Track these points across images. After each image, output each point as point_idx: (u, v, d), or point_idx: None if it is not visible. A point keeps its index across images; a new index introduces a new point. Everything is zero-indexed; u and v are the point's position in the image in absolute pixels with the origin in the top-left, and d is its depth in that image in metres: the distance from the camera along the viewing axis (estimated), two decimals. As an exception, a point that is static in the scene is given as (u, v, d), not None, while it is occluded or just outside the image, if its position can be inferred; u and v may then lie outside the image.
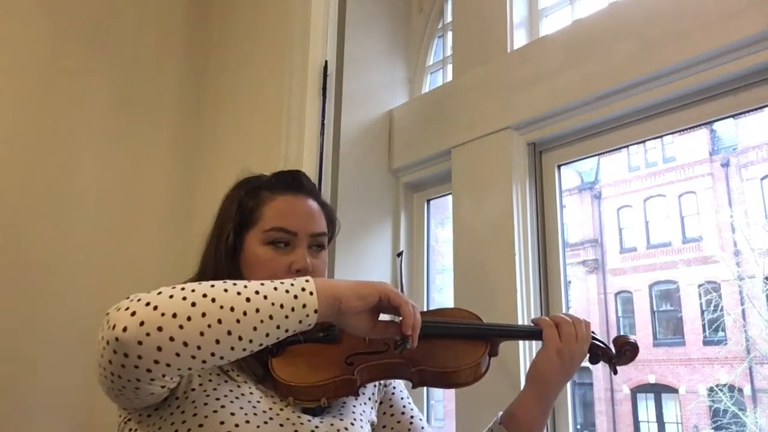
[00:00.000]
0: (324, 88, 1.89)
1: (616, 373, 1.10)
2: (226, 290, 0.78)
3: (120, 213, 2.15)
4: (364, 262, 2.08)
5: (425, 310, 2.09)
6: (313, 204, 1.07)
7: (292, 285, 0.81)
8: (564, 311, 1.74)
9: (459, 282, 1.88)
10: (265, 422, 0.90)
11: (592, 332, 1.09)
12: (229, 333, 0.76)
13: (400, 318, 0.85)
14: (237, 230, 1.03)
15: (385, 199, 2.21)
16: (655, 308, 9.34)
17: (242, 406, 0.90)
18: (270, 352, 0.96)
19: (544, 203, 1.83)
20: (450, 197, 2.03)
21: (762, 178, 8.32)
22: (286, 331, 0.80)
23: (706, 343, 8.53)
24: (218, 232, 1.06)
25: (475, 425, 1.73)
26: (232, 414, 0.88)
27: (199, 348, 0.75)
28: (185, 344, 0.74)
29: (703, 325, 8.57)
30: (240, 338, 0.77)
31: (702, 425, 8.19)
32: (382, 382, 1.11)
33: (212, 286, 0.78)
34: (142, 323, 0.73)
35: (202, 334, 0.74)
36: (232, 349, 0.77)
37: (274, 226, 1.02)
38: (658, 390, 8.90)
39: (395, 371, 1.01)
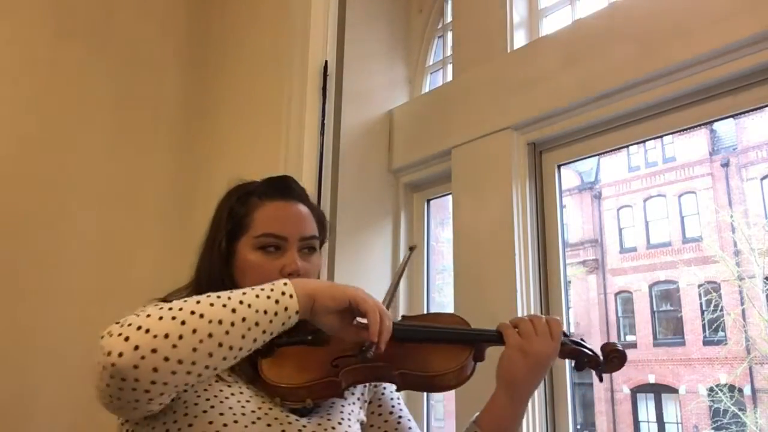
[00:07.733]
0: (324, 88, 1.90)
1: (601, 380, 1.08)
2: (212, 304, 0.82)
3: (119, 212, 2.15)
4: (364, 262, 2.08)
5: (425, 312, 2.10)
6: (302, 208, 1.09)
7: (272, 290, 0.86)
8: (564, 311, 1.74)
9: (459, 282, 1.88)
10: (253, 422, 0.92)
11: (580, 339, 1.08)
12: (220, 345, 0.80)
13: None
14: (229, 238, 1.05)
15: (385, 199, 2.21)
16: (655, 308, 9.34)
17: (231, 406, 0.92)
18: (260, 353, 0.97)
19: (544, 203, 1.83)
20: (450, 197, 2.03)
21: (762, 178, 8.33)
22: (272, 333, 0.85)
23: (706, 343, 8.53)
24: (211, 240, 1.08)
25: (475, 425, 1.73)
26: (221, 414, 0.90)
27: (193, 363, 0.79)
28: (180, 362, 0.78)
29: (703, 325, 8.57)
30: (231, 348, 0.82)
31: (702, 425, 8.19)
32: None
33: (198, 302, 0.82)
34: (136, 347, 0.76)
35: (195, 350, 0.79)
36: (224, 359, 0.82)
37: (264, 231, 1.04)
38: (658, 390, 8.90)
39: (379, 374, 1.02)
